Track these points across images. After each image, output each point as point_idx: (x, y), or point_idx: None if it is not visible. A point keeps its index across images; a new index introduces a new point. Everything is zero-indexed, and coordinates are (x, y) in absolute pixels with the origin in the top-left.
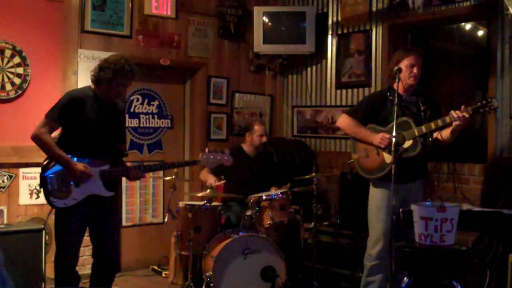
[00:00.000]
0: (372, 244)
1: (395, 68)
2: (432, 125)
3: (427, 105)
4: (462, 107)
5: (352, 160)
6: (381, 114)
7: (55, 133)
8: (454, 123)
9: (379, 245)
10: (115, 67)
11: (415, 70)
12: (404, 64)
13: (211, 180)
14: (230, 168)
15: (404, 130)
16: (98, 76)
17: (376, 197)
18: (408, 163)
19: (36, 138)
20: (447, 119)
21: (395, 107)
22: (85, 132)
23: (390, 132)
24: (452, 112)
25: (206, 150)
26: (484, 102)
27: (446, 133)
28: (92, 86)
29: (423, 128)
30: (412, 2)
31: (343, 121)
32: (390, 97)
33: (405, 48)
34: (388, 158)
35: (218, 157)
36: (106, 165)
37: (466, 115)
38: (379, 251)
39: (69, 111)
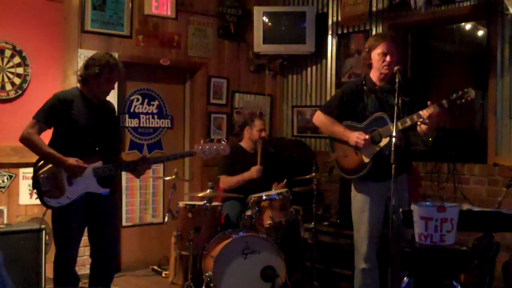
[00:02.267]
0: (359, 245)
1: (395, 68)
2: (408, 120)
3: (405, 92)
4: (428, 103)
5: (331, 160)
6: (357, 107)
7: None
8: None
9: (365, 246)
10: (101, 63)
11: (388, 58)
12: (376, 52)
13: (234, 179)
14: (234, 166)
15: (379, 126)
16: (85, 75)
17: (358, 198)
18: (387, 159)
19: (24, 140)
20: (421, 113)
21: (371, 99)
22: (75, 131)
23: (366, 129)
24: (431, 107)
25: (201, 141)
26: (460, 93)
27: (423, 128)
28: (79, 87)
29: (399, 125)
30: (414, 2)
31: (318, 118)
32: (366, 88)
33: (377, 34)
34: (366, 158)
35: (214, 147)
36: (98, 162)
37: (433, 113)
38: (366, 253)
39: (56, 112)
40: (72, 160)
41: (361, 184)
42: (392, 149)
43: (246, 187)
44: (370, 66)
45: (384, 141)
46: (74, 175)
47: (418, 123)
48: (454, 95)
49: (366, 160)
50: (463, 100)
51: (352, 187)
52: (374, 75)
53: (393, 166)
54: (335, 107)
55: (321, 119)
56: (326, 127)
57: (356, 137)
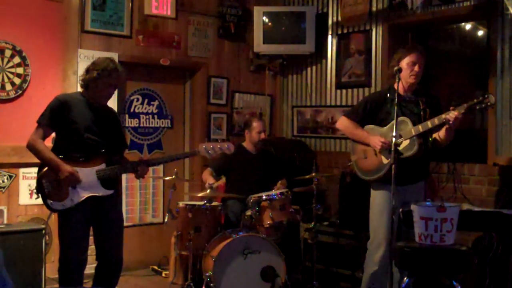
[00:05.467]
0: (374, 248)
1: (395, 67)
2: (429, 123)
3: (428, 104)
4: (451, 108)
5: (351, 163)
6: (380, 114)
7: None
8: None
9: (381, 249)
10: (100, 68)
11: (416, 68)
12: (405, 62)
13: (210, 180)
14: (232, 166)
15: (401, 130)
16: (85, 79)
17: (377, 200)
18: (408, 164)
19: (29, 146)
20: (443, 116)
21: (395, 107)
22: (75, 133)
23: (388, 133)
24: (451, 111)
25: (205, 140)
26: (480, 98)
27: (442, 132)
28: (82, 91)
29: (420, 127)
30: (411, 2)
31: (342, 123)
32: (390, 97)
33: (407, 46)
34: (385, 159)
35: (219, 146)
36: (101, 165)
37: (458, 116)
38: (381, 256)
39: (58, 115)
40: (67, 168)
41: (380, 186)
42: (392, 148)
43: (248, 186)
44: (395, 76)
45: (404, 144)
46: (67, 183)
47: (435, 135)
48: (475, 100)
49: (385, 161)
50: (483, 105)
51: (371, 191)
52: (399, 85)
53: (393, 166)
54: (359, 113)
55: (345, 124)
56: (349, 130)
57: (377, 139)
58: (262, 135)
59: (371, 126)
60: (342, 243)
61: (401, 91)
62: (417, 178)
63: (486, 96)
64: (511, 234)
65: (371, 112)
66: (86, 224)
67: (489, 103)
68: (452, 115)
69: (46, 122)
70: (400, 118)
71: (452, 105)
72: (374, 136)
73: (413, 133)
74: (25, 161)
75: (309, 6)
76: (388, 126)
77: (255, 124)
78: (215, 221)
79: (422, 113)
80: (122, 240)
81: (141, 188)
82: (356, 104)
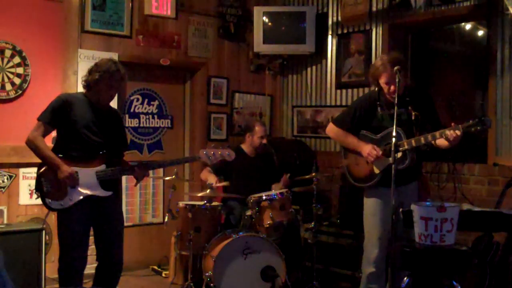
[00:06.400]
0: (369, 249)
1: (395, 68)
2: (422, 139)
3: (418, 108)
4: (453, 124)
5: (341, 166)
6: (372, 121)
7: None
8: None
9: (376, 250)
10: (102, 69)
11: (392, 87)
12: (381, 81)
13: (211, 179)
14: (230, 168)
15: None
16: (87, 81)
17: (370, 202)
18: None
19: (29, 142)
20: (437, 135)
21: (387, 114)
22: (75, 133)
23: (381, 142)
24: (446, 131)
25: (206, 146)
26: (477, 120)
27: (440, 143)
28: (84, 92)
29: (413, 142)
30: (414, 1)
31: (331, 130)
32: (380, 103)
33: (379, 61)
34: (376, 169)
35: (220, 153)
36: (101, 166)
37: (457, 134)
38: (376, 257)
39: (60, 113)
40: (66, 169)
41: (372, 189)
42: (392, 148)
43: (246, 188)
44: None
45: (397, 156)
46: (65, 183)
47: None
48: (471, 121)
49: (377, 171)
50: (479, 128)
51: (364, 194)
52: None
53: (393, 166)
54: (347, 121)
55: (334, 131)
56: (339, 138)
57: (369, 151)
58: (264, 140)
59: (364, 132)
60: (342, 243)
61: (389, 100)
62: (409, 179)
63: (482, 118)
64: (511, 234)
65: (361, 119)
66: (86, 224)
67: (485, 126)
68: (447, 134)
69: (46, 119)
70: (395, 130)
71: (452, 105)
72: (367, 146)
73: (406, 147)
74: (25, 161)
75: (309, 6)
76: (381, 134)
77: (258, 129)
78: (215, 221)
79: (413, 121)
80: (122, 240)
81: (141, 188)
82: (345, 111)
